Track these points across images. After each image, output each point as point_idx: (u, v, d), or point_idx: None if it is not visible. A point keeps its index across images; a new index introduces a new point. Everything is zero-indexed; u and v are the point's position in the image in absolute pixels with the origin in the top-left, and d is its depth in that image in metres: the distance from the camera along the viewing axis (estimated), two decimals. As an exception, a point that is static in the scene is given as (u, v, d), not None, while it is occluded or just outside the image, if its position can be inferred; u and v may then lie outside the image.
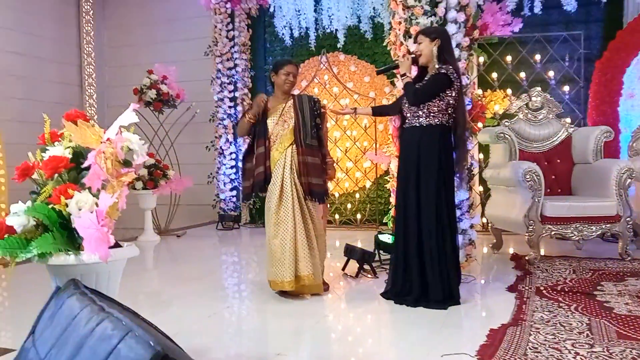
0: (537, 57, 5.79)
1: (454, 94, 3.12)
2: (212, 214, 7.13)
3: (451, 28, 3.72)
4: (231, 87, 6.96)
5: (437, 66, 3.16)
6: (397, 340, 2.73)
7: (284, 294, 3.39)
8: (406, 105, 3.26)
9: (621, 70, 5.43)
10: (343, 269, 4.04)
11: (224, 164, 6.94)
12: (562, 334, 2.54)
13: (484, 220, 5.64)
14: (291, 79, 3.46)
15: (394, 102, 3.67)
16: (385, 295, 3.31)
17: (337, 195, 6.70)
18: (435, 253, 3.09)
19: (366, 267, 3.93)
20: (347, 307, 3.34)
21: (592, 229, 4.23)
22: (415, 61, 3.26)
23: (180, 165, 6.72)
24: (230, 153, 6.95)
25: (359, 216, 6.55)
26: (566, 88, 5.77)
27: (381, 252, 4.17)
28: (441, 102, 3.12)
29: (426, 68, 3.25)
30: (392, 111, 3.64)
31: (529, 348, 2.37)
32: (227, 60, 6.94)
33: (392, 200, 4.06)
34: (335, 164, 3.86)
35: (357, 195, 6.65)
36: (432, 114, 3.15)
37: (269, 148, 3.42)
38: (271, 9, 6.81)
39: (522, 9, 5.48)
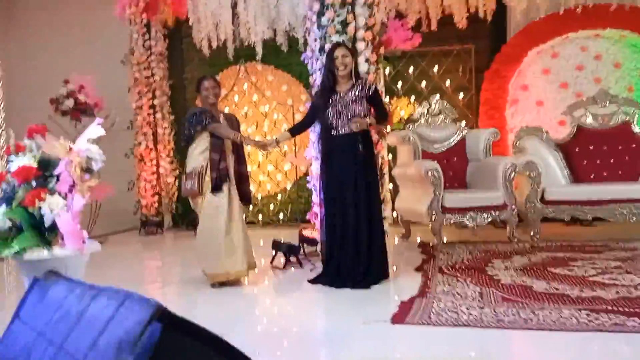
0: (435, 68, 6.49)
1: None
2: (133, 220, 7.16)
3: (360, 45, 4.21)
4: (150, 95, 6.99)
5: (353, 79, 3.68)
6: (325, 316, 3.16)
7: (221, 284, 3.74)
8: (335, 117, 3.67)
9: (506, 79, 6.25)
10: (271, 262, 4.41)
11: (145, 170, 6.99)
12: (459, 301, 3.09)
13: (394, 213, 6.23)
14: (212, 91, 3.83)
15: (305, 117, 4.06)
16: (313, 281, 3.74)
17: (260, 197, 7.03)
18: (367, 242, 3.59)
19: (292, 259, 4.33)
20: (279, 294, 3.71)
21: (484, 216, 4.90)
22: (334, 75, 3.68)
23: (99, 173, 6.71)
24: (151, 159, 7.00)
25: (281, 216, 6.93)
26: (460, 96, 6.50)
27: (305, 245, 4.59)
28: (368, 107, 3.69)
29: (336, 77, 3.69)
30: (307, 126, 4.06)
31: (433, 312, 2.89)
32: (145, 69, 6.97)
33: (314, 199, 4.47)
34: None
35: (279, 197, 7.01)
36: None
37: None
38: (189, 22, 6.90)
39: (421, 26, 6.11)
